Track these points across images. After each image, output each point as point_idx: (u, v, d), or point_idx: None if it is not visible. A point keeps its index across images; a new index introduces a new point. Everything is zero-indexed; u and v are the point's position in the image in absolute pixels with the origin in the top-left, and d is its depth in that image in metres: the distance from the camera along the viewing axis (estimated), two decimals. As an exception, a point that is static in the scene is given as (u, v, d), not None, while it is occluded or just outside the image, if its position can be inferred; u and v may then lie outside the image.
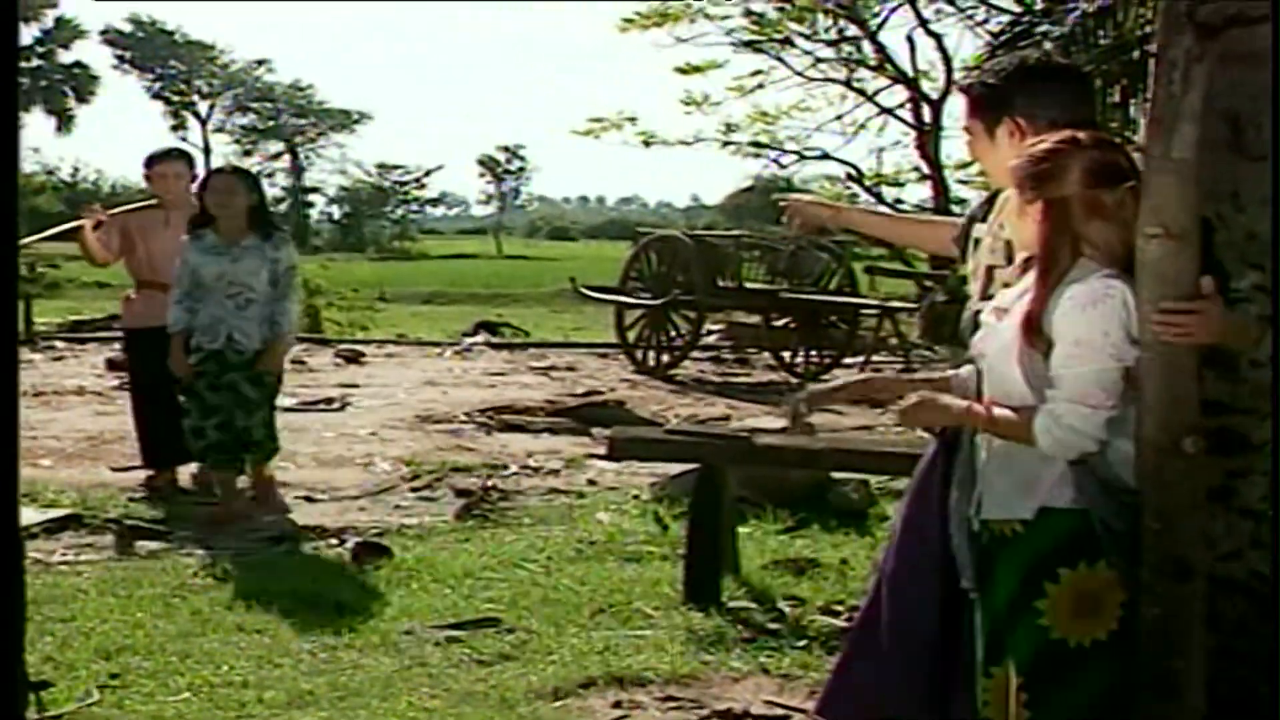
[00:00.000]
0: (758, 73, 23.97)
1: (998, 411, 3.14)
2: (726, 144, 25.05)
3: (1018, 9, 15.86)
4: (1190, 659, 3.03)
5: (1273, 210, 3.67)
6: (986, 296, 3.56)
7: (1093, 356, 3.01)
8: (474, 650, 5.28)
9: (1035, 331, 3.06)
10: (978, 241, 3.75)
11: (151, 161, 8.76)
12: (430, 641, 5.38)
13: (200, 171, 8.75)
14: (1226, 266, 3.97)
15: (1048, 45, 10.60)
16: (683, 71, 24.15)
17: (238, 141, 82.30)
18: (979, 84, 3.63)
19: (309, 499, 8.37)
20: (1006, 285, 3.46)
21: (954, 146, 23.03)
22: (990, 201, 3.78)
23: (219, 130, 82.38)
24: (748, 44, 23.64)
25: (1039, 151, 3.15)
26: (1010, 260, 3.51)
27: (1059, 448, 3.03)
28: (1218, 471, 3.34)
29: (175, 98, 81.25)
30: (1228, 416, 4.10)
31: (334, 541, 7.19)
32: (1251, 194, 4.10)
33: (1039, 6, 12.01)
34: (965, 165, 20.41)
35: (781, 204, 4.49)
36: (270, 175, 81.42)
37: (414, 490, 8.73)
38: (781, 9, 23.27)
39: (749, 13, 23.33)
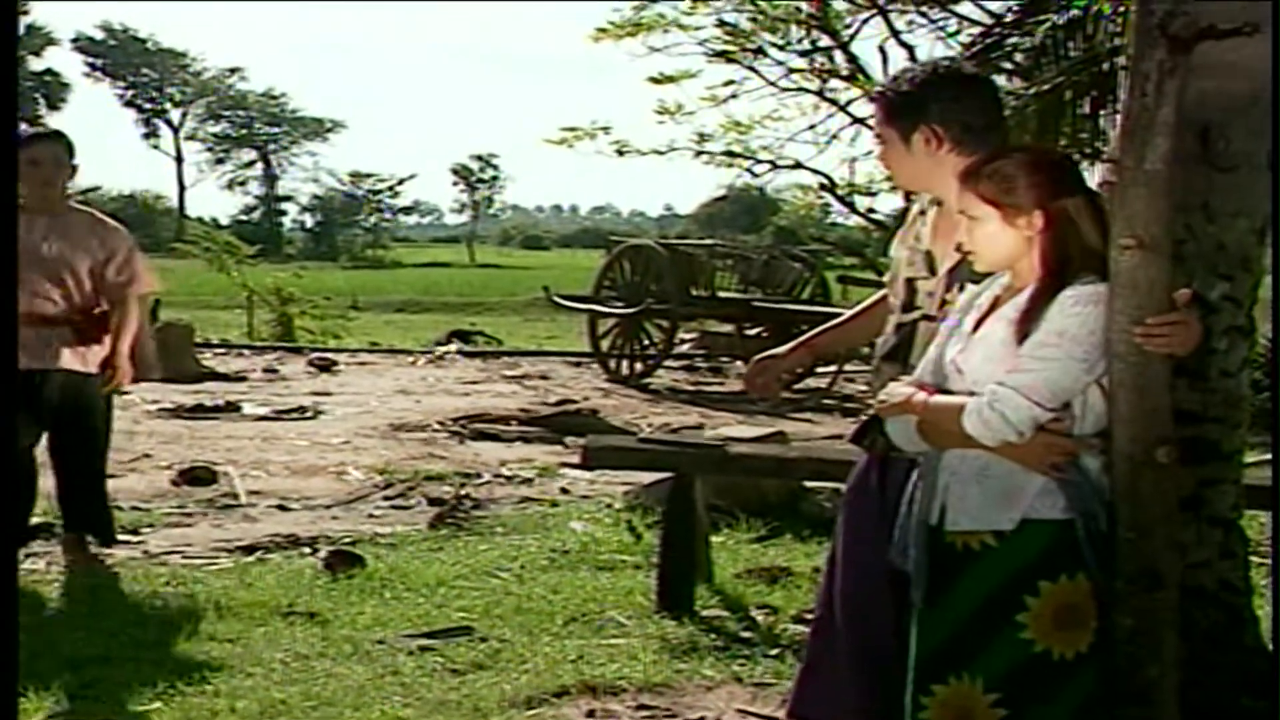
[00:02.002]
0: (730, 82, 23.96)
1: (934, 399, 3.15)
2: (699, 153, 25.02)
3: (989, 21, 15.94)
4: (1163, 668, 3.04)
5: (1274, 213, 3.70)
6: (910, 309, 3.55)
7: (1067, 352, 3.00)
8: (447, 659, 5.26)
9: (1026, 334, 3.06)
10: (890, 260, 3.71)
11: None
12: (403, 650, 5.36)
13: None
14: (1197, 277, 4.00)
15: (1019, 57, 10.68)
16: (656, 81, 24.14)
17: (210, 149, 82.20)
18: (894, 91, 3.58)
19: (281, 508, 8.34)
20: (931, 295, 3.45)
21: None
22: (901, 220, 3.75)
23: (191, 138, 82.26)
24: (721, 54, 23.66)
25: (993, 161, 3.16)
26: (932, 271, 3.51)
27: (982, 429, 3.02)
28: (1189, 481, 3.36)
29: (147, 105, 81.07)
30: (1199, 426, 4.13)
31: (306, 550, 7.17)
32: (1221, 205, 4.14)
33: (1010, 19, 12.08)
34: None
35: (746, 379, 4.25)
36: (243, 183, 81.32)
37: (387, 499, 8.71)
38: (754, 19, 23.33)
39: (722, 23, 23.35)
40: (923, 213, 3.63)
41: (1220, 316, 4.21)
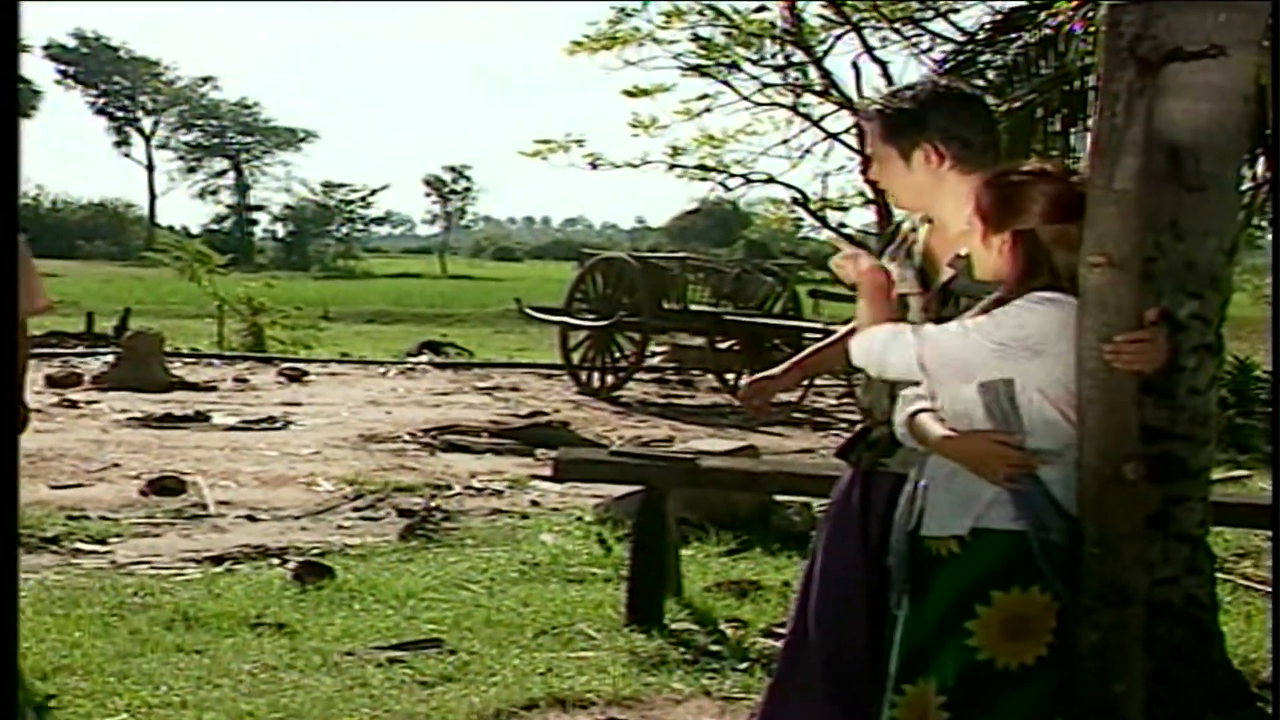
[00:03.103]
0: (705, 96, 24.09)
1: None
2: (673, 167, 25.14)
3: (961, 38, 16.03)
4: (1130, 684, 3.06)
5: (1274, 218, 3.72)
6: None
7: (986, 333, 3.06)
8: (416, 671, 5.25)
9: None
10: None
11: None
12: (372, 662, 5.34)
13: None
14: (1166, 296, 4.03)
15: (990, 74, 10.74)
16: (630, 94, 24.24)
17: (182, 158, 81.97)
18: (893, 108, 3.56)
19: (251, 518, 8.32)
20: (925, 310, 3.48)
21: (898, 172, 23.06)
22: (893, 237, 3.76)
23: (163, 147, 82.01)
24: (695, 68, 23.77)
25: (1006, 183, 3.18)
26: (925, 287, 3.53)
27: (858, 351, 3.24)
28: (1157, 498, 3.38)
29: (119, 114, 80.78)
30: (1167, 443, 4.16)
31: (275, 561, 7.15)
32: (1190, 225, 4.17)
33: (982, 36, 12.15)
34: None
35: (742, 398, 4.33)
36: (215, 192, 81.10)
37: (356, 510, 8.70)
38: (729, 34, 23.41)
39: (697, 37, 23.46)
40: (914, 230, 3.64)
41: (1189, 334, 4.25)
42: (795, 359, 4.14)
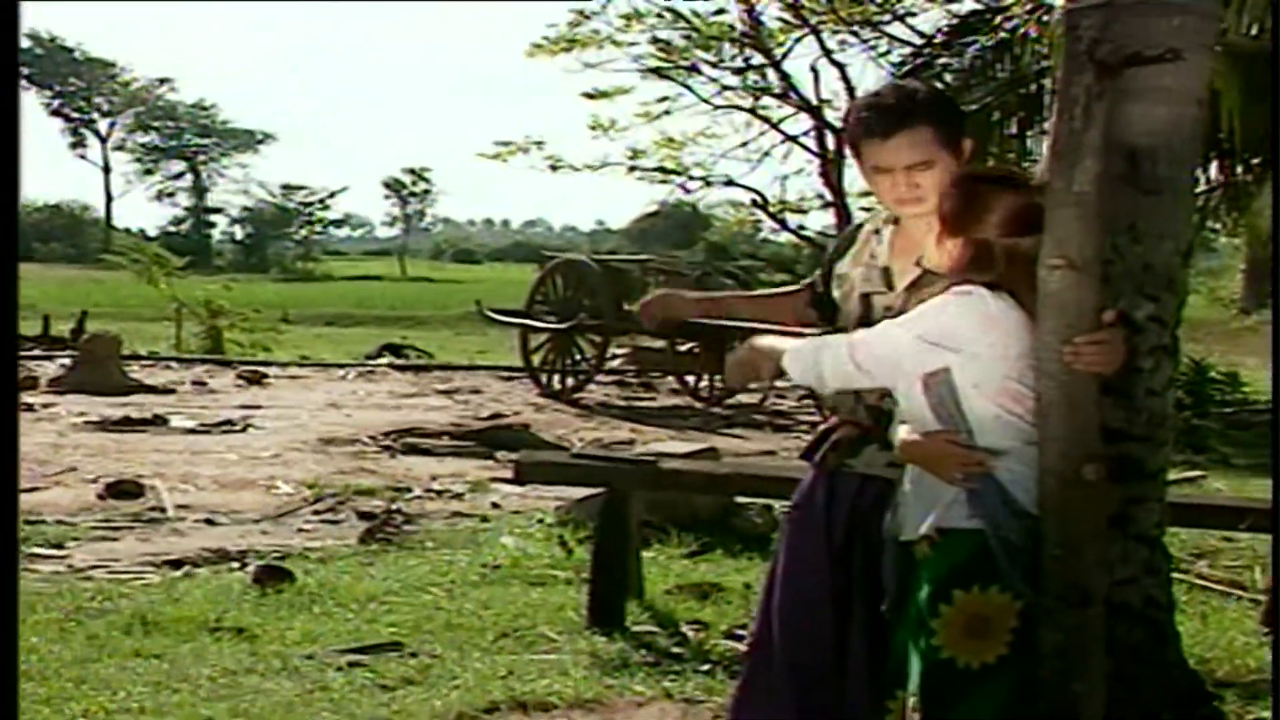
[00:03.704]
0: (664, 99, 24.18)
1: (763, 340, 3.46)
2: (633, 169, 25.21)
3: (919, 42, 16.12)
4: (1090, 684, 3.08)
5: (1273, 219, 3.75)
6: (866, 323, 3.58)
7: (908, 327, 3.12)
8: (377, 675, 5.23)
9: None
10: (841, 278, 3.73)
11: None
12: (332, 666, 5.33)
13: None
14: (1124, 298, 4.06)
15: (948, 77, 10.82)
16: (590, 97, 24.29)
17: (139, 160, 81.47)
18: (947, 112, 3.51)
19: (210, 522, 8.28)
20: (889, 309, 3.50)
21: (857, 174, 23.21)
22: (852, 238, 3.77)
23: (119, 148, 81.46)
24: (655, 71, 23.83)
25: (965, 191, 3.20)
26: (890, 286, 3.54)
27: (794, 360, 3.26)
28: (1116, 499, 3.41)
29: (74, 115, 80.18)
30: (1125, 444, 4.18)
31: (235, 565, 7.12)
32: (1147, 227, 4.19)
33: (939, 40, 12.23)
34: (868, 193, 20.65)
35: (641, 307, 4.26)
36: (172, 195, 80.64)
37: (316, 513, 8.66)
38: (688, 37, 23.46)
39: (656, 40, 23.51)
40: (876, 232, 3.66)
41: (1146, 336, 4.26)
42: (720, 295, 4.14)
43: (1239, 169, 10.28)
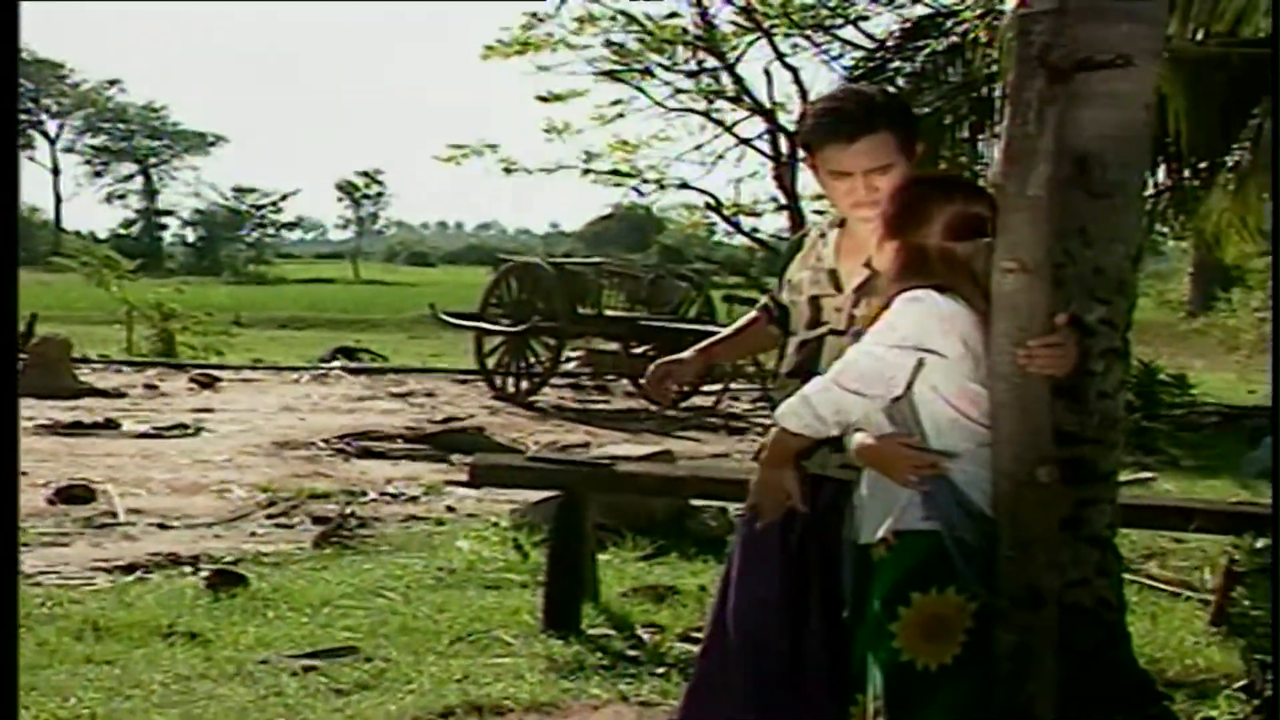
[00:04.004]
0: (618, 102, 24.23)
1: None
2: (587, 172, 25.23)
3: (871, 45, 16.20)
4: (1043, 685, 3.10)
5: (1273, 218, 3.79)
6: (816, 325, 3.60)
7: (876, 340, 3.12)
8: (331, 680, 5.21)
9: None
10: (791, 284, 3.74)
11: None
12: (287, 671, 5.30)
13: None
14: (1075, 301, 4.10)
15: (900, 81, 10.87)
16: (544, 100, 24.29)
17: (88, 162, 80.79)
18: (903, 115, 3.55)
19: (162, 526, 8.23)
20: (838, 310, 3.51)
21: (810, 177, 23.34)
22: (798, 245, 3.79)
23: (69, 150, 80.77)
24: (608, 74, 23.86)
25: (909, 196, 3.23)
26: (838, 288, 3.56)
27: (788, 416, 3.23)
28: (1069, 501, 3.44)
29: (22, 116, 79.38)
30: (1078, 447, 4.22)
31: (188, 570, 7.07)
32: (1098, 231, 4.23)
33: (891, 44, 12.29)
34: (821, 196, 20.73)
35: (647, 381, 4.15)
36: (123, 197, 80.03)
37: (270, 517, 8.62)
38: (642, 40, 23.50)
39: (610, 43, 23.55)
40: (823, 235, 3.68)
41: (1097, 339, 4.30)
42: (701, 345, 4.14)
43: (1186, 173, 10.37)
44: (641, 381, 16.31)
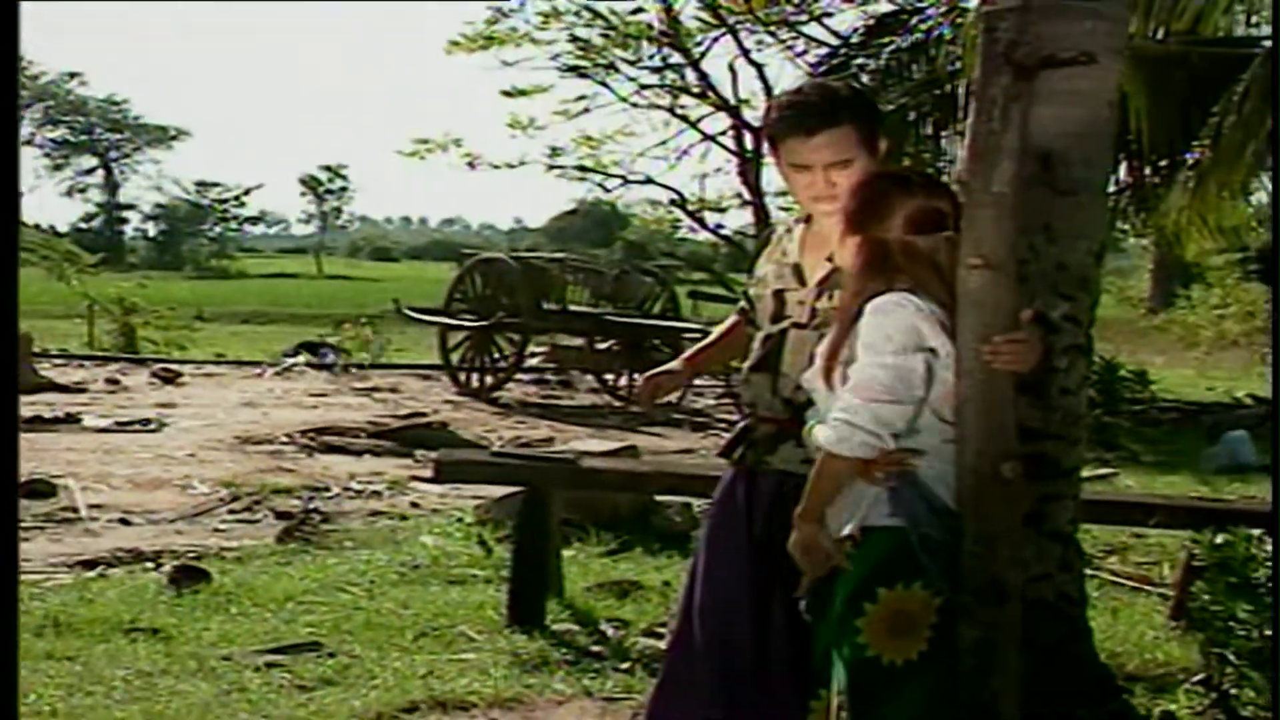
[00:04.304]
0: (583, 97, 24.19)
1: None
2: (551, 167, 25.21)
3: (836, 42, 16.25)
4: (1006, 680, 3.12)
5: (1273, 216, 3.81)
6: (780, 319, 3.60)
7: (873, 354, 3.09)
8: (295, 675, 5.19)
9: (837, 360, 3.15)
10: (758, 279, 3.75)
11: None
12: (250, 667, 5.27)
13: None
14: (1039, 297, 4.12)
15: (864, 78, 10.91)
16: (508, 95, 24.24)
17: (48, 155, 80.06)
18: (866, 110, 3.55)
19: (124, 521, 8.18)
20: (801, 303, 3.52)
21: (774, 173, 23.38)
22: (766, 242, 3.81)
23: (28, 143, 79.95)
24: (573, 69, 23.82)
25: (870, 191, 3.24)
26: (802, 282, 3.57)
27: (840, 443, 3.09)
28: (1032, 496, 3.45)
29: (-19, 108, 78.68)
30: (1041, 443, 4.26)
31: (150, 565, 7.03)
32: (1062, 228, 4.27)
33: (856, 40, 12.33)
34: (785, 192, 20.77)
35: (639, 393, 4.13)
36: (83, 190, 79.45)
37: (233, 513, 8.59)
38: (607, 35, 23.48)
39: (574, 38, 23.51)
40: (789, 230, 3.69)
41: (1061, 335, 4.35)
42: (686, 355, 4.14)
43: (1147, 170, 10.46)
44: (606, 378, 16.34)
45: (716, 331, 4.07)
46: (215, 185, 77.43)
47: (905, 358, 3.07)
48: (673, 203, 26.31)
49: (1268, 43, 9.43)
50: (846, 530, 3.15)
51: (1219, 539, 4.98)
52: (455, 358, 16.26)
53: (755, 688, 3.51)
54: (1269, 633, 4.43)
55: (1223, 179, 9.62)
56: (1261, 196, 11.77)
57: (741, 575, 3.55)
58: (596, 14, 23.24)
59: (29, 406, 13.04)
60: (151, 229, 78.68)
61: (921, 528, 3.10)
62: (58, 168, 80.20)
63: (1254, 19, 9.93)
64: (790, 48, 22.23)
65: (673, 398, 15.49)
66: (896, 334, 3.08)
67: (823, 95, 3.52)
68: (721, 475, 3.78)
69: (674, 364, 4.07)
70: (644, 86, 24.01)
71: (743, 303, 3.89)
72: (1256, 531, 4.80)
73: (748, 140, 23.33)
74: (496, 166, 25.39)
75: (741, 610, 3.54)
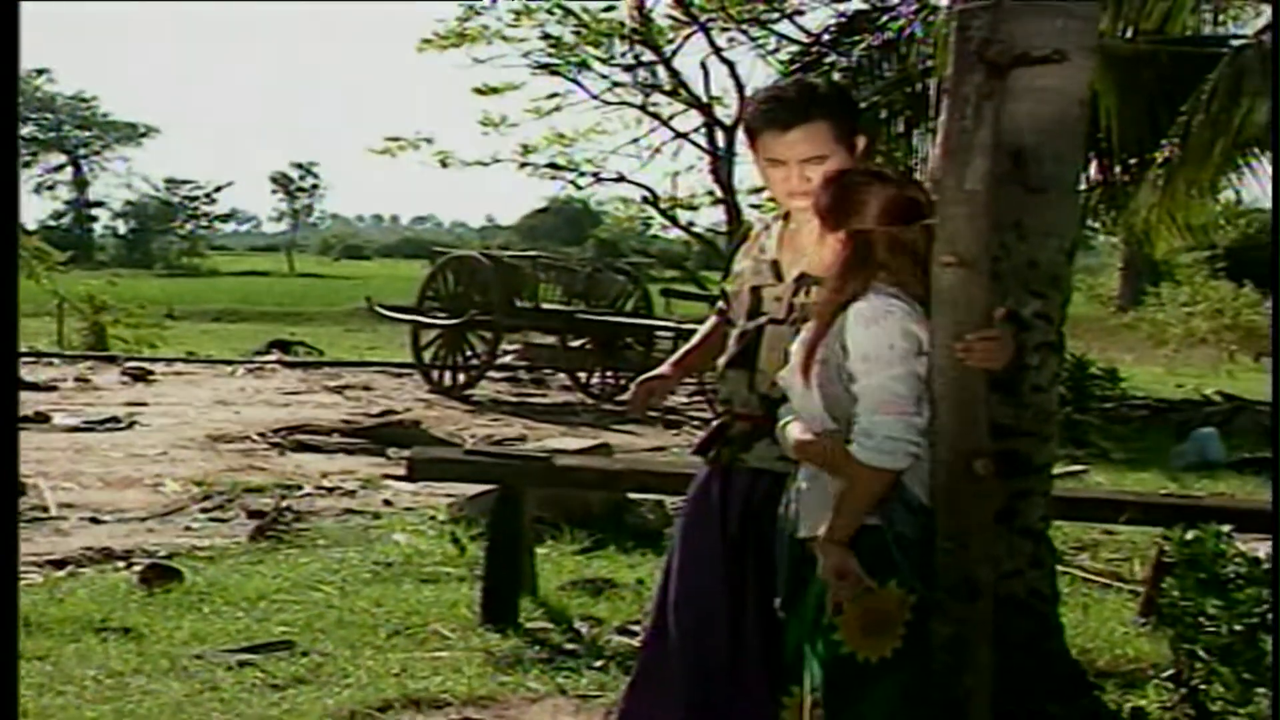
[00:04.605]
0: (555, 95, 24.19)
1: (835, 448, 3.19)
2: (523, 165, 25.20)
3: (807, 40, 16.27)
4: (978, 676, 3.13)
5: (1273, 215, 3.83)
6: (756, 315, 3.61)
7: (882, 366, 3.08)
8: (267, 674, 5.18)
9: (814, 357, 3.15)
10: (735, 275, 3.76)
11: None
12: (222, 666, 5.26)
13: None
14: (1011, 295, 4.14)
15: (836, 76, 10.93)
16: (480, 92, 24.23)
17: (17, 152, 79.48)
18: (843, 107, 3.56)
19: (95, 520, 8.14)
20: (778, 300, 3.53)
21: (746, 171, 23.44)
22: (744, 239, 3.82)
23: (-4, 140, 79.40)
24: (545, 67, 23.81)
25: (840, 184, 3.25)
26: (779, 279, 3.58)
27: (881, 458, 3.06)
28: (1004, 493, 3.47)
29: (-53, 105, 78.16)
30: (1013, 440, 4.27)
31: (121, 564, 7.00)
32: (1033, 225, 4.29)
33: (827, 39, 12.35)
34: (758, 190, 20.81)
35: (631, 399, 4.07)
36: (52, 188, 78.99)
37: (205, 511, 8.55)
38: (578, 33, 23.48)
39: (546, 36, 23.51)
40: (767, 228, 3.70)
41: (1033, 333, 4.36)
42: (674, 358, 4.14)
43: (1117, 168, 10.51)
44: (579, 376, 16.34)
45: (699, 333, 4.07)
46: (185, 182, 77.13)
47: (912, 363, 3.09)
48: (645, 200, 26.34)
49: (1235, 42, 9.50)
50: (821, 528, 3.15)
51: (1189, 535, 5.01)
52: (428, 356, 16.23)
53: (729, 685, 3.52)
54: (1238, 628, 4.46)
55: (1191, 177, 9.67)
56: (1229, 194, 11.86)
57: (716, 573, 3.56)
58: (568, 11, 23.25)
59: (-2, 405, 12.99)
60: (121, 226, 78.32)
61: (897, 526, 3.11)
62: (26, 165, 79.67)
63: (1220, 18, 10.00)
64: (762, 45, 22.27)
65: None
66: (898, 341, 3.08)
67: (799, 91, 3.53)
68: (695, 473, 3.79)
69: (663, 368, 4.07)
70: (616, 84, 24.05)
71: (720, 302, 3.89)
72: (1226, 528, 4.82)
73: (719, 138, 23.37)
74: (468, 164, 25.37)
75: (716, 608, 3.55)
